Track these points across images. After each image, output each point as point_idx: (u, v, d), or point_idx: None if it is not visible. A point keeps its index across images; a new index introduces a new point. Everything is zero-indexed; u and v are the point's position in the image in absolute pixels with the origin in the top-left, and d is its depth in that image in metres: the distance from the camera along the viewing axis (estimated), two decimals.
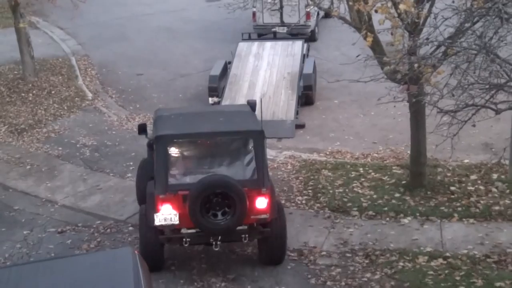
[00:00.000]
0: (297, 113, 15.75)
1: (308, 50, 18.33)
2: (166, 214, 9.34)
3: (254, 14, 21.15)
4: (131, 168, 13.68)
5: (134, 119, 16.45)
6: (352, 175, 12.75)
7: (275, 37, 19.24)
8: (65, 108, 17.18)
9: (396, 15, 9.62)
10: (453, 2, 8.91)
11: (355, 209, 11.59)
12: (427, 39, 8.79)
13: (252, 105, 11.09)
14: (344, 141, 14.82)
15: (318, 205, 11.82)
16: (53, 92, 18.19)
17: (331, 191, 12.17)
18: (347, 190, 12.20)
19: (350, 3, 10.65)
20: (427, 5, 10.17)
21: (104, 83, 19.21)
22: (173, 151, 9.58)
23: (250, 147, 9.55)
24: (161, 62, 20.62)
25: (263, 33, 21.15)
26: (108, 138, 15.27)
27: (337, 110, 16.54)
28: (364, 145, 14.54)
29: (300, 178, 12.82)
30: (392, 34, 9.44)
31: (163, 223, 9.39)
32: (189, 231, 9.55)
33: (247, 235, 9.58)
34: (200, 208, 9.20)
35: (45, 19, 25.57)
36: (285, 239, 9.96)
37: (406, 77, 9.44)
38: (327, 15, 22.69)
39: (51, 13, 24.92)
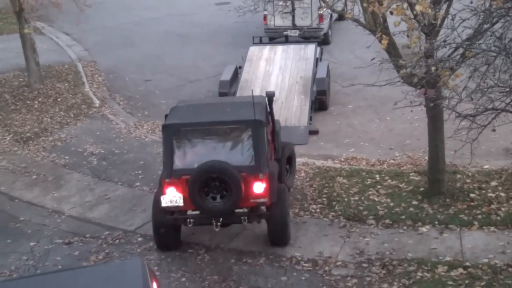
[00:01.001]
0: (310, 118, 15.76)
1: (321, 53, 18.34)
2: (172, 197, 10.40)
3: (265, 17, 21.20)
4: (139, 177, 13.72)
5: (142, 126, 16.50)
6: (368, 182, 12.73)
7: (287, 40, 19.27)
8: (72, 115, 17.27)
9: (412, 16, 9.62)
10: (471, 2, 8.90)
11: (371, 217, 11.56)
12: (445, 41, 8.78)
13: (270, 96, 11.78)
14: (359, 147, 14.80)
15: (333, 213, 11.81)
16: (59, 99, 18.29)
17: (346, 199, 12.15)
18: (362, 198, 12.17)
19: (364, 4, 10.67)
20: (444, 6, 10.14)
21: (111, 89, 19.30)
22: (178, 139, 10.56)
23: (249, 136, 10.46)
24: (170, 67, 20.70)
25: (275, 37, 21.19)
26: (116, 146, 15.33)
27: (352, 115, 16.53)
28: (380, 151, 14.52)
29: (314, 185, 12.81)
30: (408, 36, 9.44)
31: (169, 204, 10.44)
32: (193, 212, 10.57)
33: (246, 218, 10.49)
34: (199, 191, 10.24)
35: (50, 25, 25.76)
36: (286, 221, 10.72)
37: (423, 81, 9.42)
38: (341, 17, 22.74)
39: (57, 19, 25.08)
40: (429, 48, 9.34)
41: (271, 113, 11.82)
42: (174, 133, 10.55)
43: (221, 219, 10.47)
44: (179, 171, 10.43)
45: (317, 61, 17.61)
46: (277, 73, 17.26)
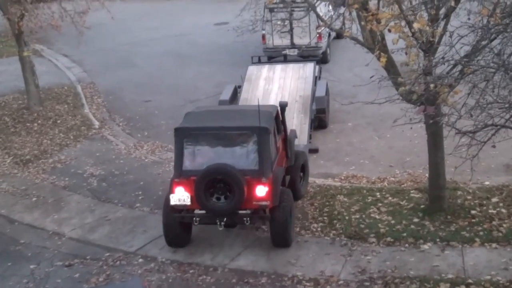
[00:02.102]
0: (310, 137, 15.74)
1: (320, 72, 18.35)
2: (180, 196, 11.05)
3: (263, 36, 21.26)
4: (140, 198, 13.69)
5: (142, 147, 16.49)
6: (369, 200, 12.69)
7: (285, 59, 19.29)
8: (71, 137, 17.27)
9: (410, 34, 9.64)
10: (469, 19, 8.92)
11: (372, 235, 11.52)
12: (443, 58, 8.79)
13: (282, 106, 12.53)
14: (360, 165, 14.78)
15: (334, 232, 11.77)
16: (58, 121, 18.31)
17: (347, 217, 12.11)
18: (363, 216, 12.14)
19: (363, 23, 10.69)
20: (442, 23, 10.18)
21: (111, 110, 19.32)
22: (188, 141, 11.24)
23: (254, 142, 11.06)
24: (169, 87, 20.73)
25: (273, 56, 21.22)
26: (116, 167, 15.31)
27: (352, 133, 16.52)
28: (381, 168, 14.50)
29: (315, 204, 12.77)
30: (406, 53, 9.46)
31: (177, 203, 11.10)
32: (200, 212, 11.21)
33: (248, 219, 11.03)
34: (205, 192, 10.89)
35: (49, 47, 25.85)
36: (287, 225, 11.18)
37: (422, 98, 9.42)
38: (339, 35, 22.83)
39: (56, 41, 25.19)
40: (428, 65, 9.35)
41: (283, 122, 12.52)
42: (185, 136, 11.23)
43: (224, 219, 11.06)
44: (188, 171, 11.08)
45: (316, 79, 17.61)
46: (276, 92, 17.26)
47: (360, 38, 11.43)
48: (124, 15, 29.81)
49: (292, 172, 12.69)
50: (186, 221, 11.40)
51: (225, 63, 22.32)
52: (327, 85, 17.40)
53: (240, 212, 11.08)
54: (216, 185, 10.95)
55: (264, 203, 10.96)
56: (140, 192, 13.94)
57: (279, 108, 12.50)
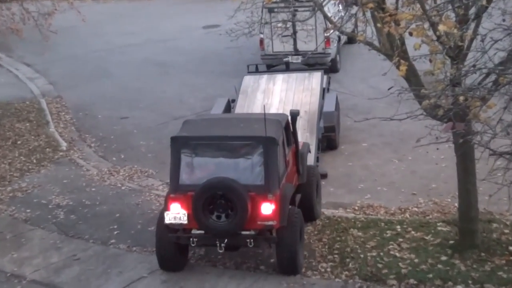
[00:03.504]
0: (317, 160, 15.75)
1: (328, 83, 18.41)
2: (176, 213, 11.32)
3: (261, 41, 21.34)
4: (115, 233, 13.65)
5: (118, 172, 16.48)
6: (388, 235, 12.67)
7: (288, 68, 19.37)
8: (34, 161, 17.25)
9: (435, 38, 9.67)
10: (504, 20, 8.96)
11: (392, 277, 11.49)
12: (474, 66, 8.82)
13: (293, 115, 12.80)
14: (376, 193, 14.77)
15: (347, 273, 11.74)
16: (19, 142, 18.29)
17: (362, 256, 12.08)
18: (381, 253, 12.11)
19: (379, 25, 10.73)
20: (473, 25, 10.22)
21: (81, 129, 19.32)
22: (186, 152, 11.56)
23: (260, 153, 11.33)
24: (150, 102, 20.75)
25: (273, 64, 21.29)
26: (87, 197, 15.29)
27: (366, 155, 16.53)
28: (401, 197, 14.49)
29: (324, 240, 12.75)
30: (430, 61, 9.48)
31: (172, 221, 11.36)
32: (198, 232, 11.46)
33: (252, 241, 11.24)
34: (203, 209, 11.12)
35: (9, 55, 25.91)
36: (296, 249, 11.40)
37: (449, 113, 9.43)
38: (351, 40, 22.93)
39: (16, 47, 25.26)
40: (456, 74, 9.37)
41: (294, 133, 12.88)
42: (183, 146, 11.56)
43: (225, 240, 11.26)
44: (185, 186, 11.39)
45: (324, 92, 17.67)
46: (277, 106, 17.30)
47: (376, 43, 11.47)
48: (97, 17, 29.98)
49: (305, 191, 13.00)
50: (182, 242, 11.63)
51: (216, 73, 22.37)
52: (337, 98, 17.43)
53: (243, 233, 11.30)
54: (216, 201, 11.17)
55: (270, 223, 11.17)
56: (115, 226, 13.91)
57: (289, 117, 12.78)
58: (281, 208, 11.21)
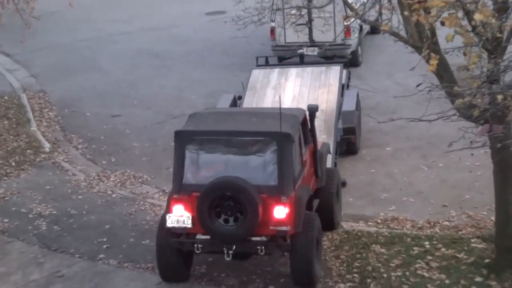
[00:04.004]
0: (335, 165, 15.77)
1: (348, 78, 18.43)
2: (179, 216, 11.51)
3: (272, 30, 21.37)
4: (104, 246, 13.68)
5: (108, 178, 16.51)
6: (415, 252, 12.68)
7: (302, 61, 19.38)
8: (13, 164, 17.29)
9: (469, 28, 9.68)
10: None
11: None
12: None
13: (312, 110, 13.05)
14: (402, 204, 14.77)
15: None
16: None
17: (385, 275, 12.09)
18: (407, 273, 12.11)
19: (406, 13, 10.74)
20: None
21: (66, 128, 19.37)
22: (192, 148, 11.72)
23: (274, 151, 11.49)
24: (145, 98, 20.78)
25: (286, 57, 21.32)
26: (73, 205, 15.31)
27: (391, 161, 16.53)
28: (430, 209, 14.49)
29: (342, 257, 12.76)
30: (465, 54, 9.48)
31: (175, 225, 11.56)
32: (203, 237, 11.63)
33: (263, 248, 11.39)
34: (210, 211, 11.27)
35: None
36: (312, 257, 11.51)
37: (486, 114, 9.44)
38: (374, 30, 22.95)
39: None
40: (494, 70, 9.38)
41: (312, 130, 13.09)
42: (188, 141, 11.71)
43: (233, 246, 11.41)
44: (189, 186, 11.58)
45: (343, 88, 17.69)
46: (289, 104, 17.31)
47: (403, 33, 11.48)
48: (86, 0, 30.01)
49: (324, 196, 13.24)
50: (186, 248, 11.78)
51: (220, 65, 22.39)
52: (358, 96, 17.45)
53: (254, 239, 11.45)
54: (224, 203, 11.33)
55: (283, 228, 11.29)
56: (104, 239, 13.93)
57: (307, 113, 12.96)
58: (296, 212, 11.35)
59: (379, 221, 14.12)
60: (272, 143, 11.50)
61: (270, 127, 11.69)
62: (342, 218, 14.17)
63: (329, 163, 15.24)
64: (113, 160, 17.60)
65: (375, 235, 13.41)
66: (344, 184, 15.42)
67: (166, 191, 15.02)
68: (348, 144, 16.71)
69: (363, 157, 16.77)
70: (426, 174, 15.87)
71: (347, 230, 13.67)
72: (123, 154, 17.82)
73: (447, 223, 13.87)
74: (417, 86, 9.77)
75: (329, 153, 14.36)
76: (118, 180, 16.42)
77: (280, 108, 11.71)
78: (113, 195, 15.70)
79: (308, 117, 12.96)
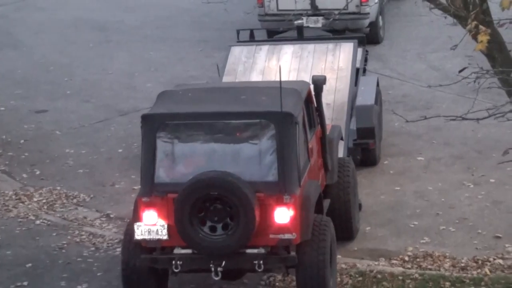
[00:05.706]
0: (348, 156, 15.75)
1: (365, 60, 18.45)
2: (151, 225, 11.64)
3: None
4: None
5: (30, 197, 16.48)
6: None
7: (301, 36, 19.40)
8: None
9: None
10: None
11: None
12: None
13: (317, 82, 13.26)
14: (439, 235, 14.80)
15: None
16: None
17: None
18: None
19: None
20: None
21: None
22: (164, 137, 11.89)
23: (272, 136, 11.71)
24: (82, 87, 20.80)
25: (278, 30, 21.34)
26: None
27: (424, 175, 16.57)
28: (478, 241, 14.53)
29: None
30: None
31: (146, 236, 11.69)
32: (183, 251, 11.81)
33: (261, 262, 11.48)
34: (191, 218, 11.43)
35: None
36: (324, 272, 11.69)
37: None
38: None
39: None
40: None
41: (319, 109, 13.39)
42: (159, 128, 11.82)
43: (223, 262, 11.55)
44: (163, 186, 11.72)
45: (357, 74, 17.70)
46: None
47: None
48: None
49: (336, 194, 13.46)
50: (160, 266, 11.92)
51: (188, 41, 22.42)
52: (378, 85, 17.46)
53: (249, 251, 11.65)
54: (209, 207, 11.52)
55: (287, 236, 11.46)
56: (25, 283, 13.93)
57: (311, 87, 13.03)
58: (302, 215, 11.53)
59: (406, 258, 14.14)
60: (270, 127, 11.66)
61: (266, 106, 11.84)
62: (356, 255, 14.22)
63: (341, 152, 15.32)
64: (38, 172, 17.58)
65: (401, 278, 13.44)
66: (359, 207, 15.44)
67: (112, 215, 15.06)
68: (364, 151, 16.69)
69: (385, 170, 16.80)
70: (472, 193, 15.89)
71: (362, 271, 13.68)
72: (51, 164, 17.79)
73: (500, 261, 13.90)
74: (460, 71, 9.82)
75: (341, 139, 14.51)
76: (44, 201, 16.39)
77: (280, 80, 11.70)
78: (37, 222, 15.68)
79: (313, 92, 13.06)
